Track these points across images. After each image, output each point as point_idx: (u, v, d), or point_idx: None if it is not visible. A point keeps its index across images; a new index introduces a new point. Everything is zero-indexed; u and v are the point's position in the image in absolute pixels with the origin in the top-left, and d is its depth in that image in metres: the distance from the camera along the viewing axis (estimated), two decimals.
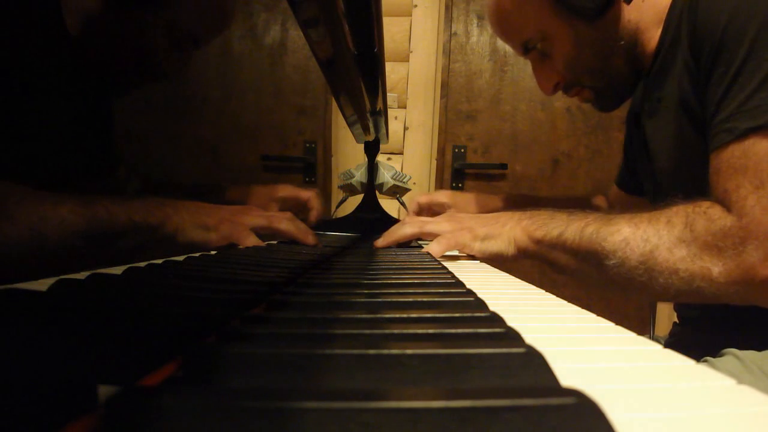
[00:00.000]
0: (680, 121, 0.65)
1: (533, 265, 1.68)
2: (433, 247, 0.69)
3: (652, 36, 0.70)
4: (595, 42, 0.70)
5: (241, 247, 0.66)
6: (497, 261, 0.72)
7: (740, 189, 0.51)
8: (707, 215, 0.52)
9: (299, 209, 0.95)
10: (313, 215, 0.94)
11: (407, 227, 0.74)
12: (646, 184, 0.83)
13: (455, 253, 0.73)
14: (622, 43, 0.70)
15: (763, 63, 0.52)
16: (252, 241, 0.67)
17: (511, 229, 0.68)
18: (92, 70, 0.77)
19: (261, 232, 0.71)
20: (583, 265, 0.61)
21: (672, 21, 0.66)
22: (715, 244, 0.51)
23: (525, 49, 0.76)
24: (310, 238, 0.73)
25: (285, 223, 0.72)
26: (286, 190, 0.96)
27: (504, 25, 0.77)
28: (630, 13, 0.69)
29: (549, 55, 0.75)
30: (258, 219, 0.71)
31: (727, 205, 0.52)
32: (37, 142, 0.69)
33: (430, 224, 0.73)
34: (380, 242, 0.75)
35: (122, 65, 0.78)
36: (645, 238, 0.55)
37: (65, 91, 0.75)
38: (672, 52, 0.66)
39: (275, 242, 0.75)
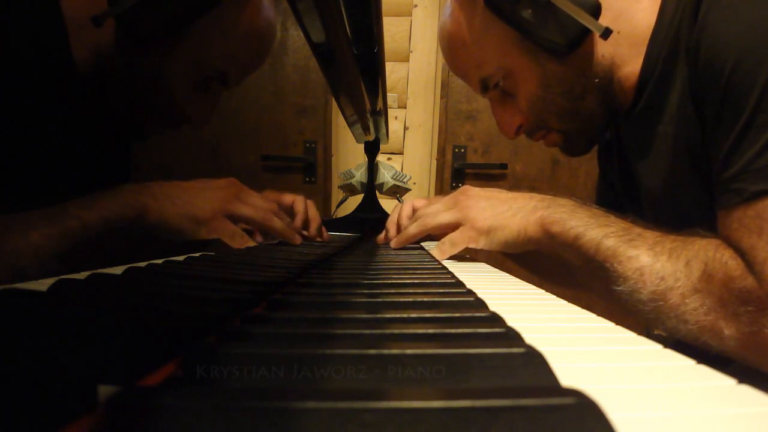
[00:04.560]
0: (679, 165, 0.59)
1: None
2: (435, 254, 0.67)
3: (631, 70, 0.62)
4: (565, 81, 0.63)
5: (233, 246, 0.63)
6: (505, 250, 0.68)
7: (757, 251, 0.46)
8: (727, 268, 0.47)
9: (285, 213, 0.82)
10: (298, 219, 0.79)
11: (412, 228, 0.71)
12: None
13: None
14: (597, 81, 0.62)
15: None
16: (243, 242, 0.64)
17: (522, 219, 0.61)
18: (105, 113, 0.68)
19: (251, 227, 0.67)
20: (592, 276, 0.56)
21: (657, 53, 0.59)
22: (732, 306, 0.46)
23: (483, 87, 0.68)
24: (296, 238, 0.71)
25: (276, 221, 0.68)
26: (269, 196, 0.84)
27: (460, 59, 0.69)
28: (604, 48, 0.61)
29: (511, 94, 0.67)
30: (249, 210, 0.66)
31: (746, 263, 0.47)
32: (35, 192, 0.61)
33: (429, 218, 0.69)
34: (395, 244, 0.74)
35: (139, 108, 0.68)
36: (661, 275, 0.50)
37: (74, 137, 0.67)
38: (663, 89, 0.59)
39: (275, 241, 0.75)
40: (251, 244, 0.65)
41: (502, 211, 0.63)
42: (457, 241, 0.65)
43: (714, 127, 0.51)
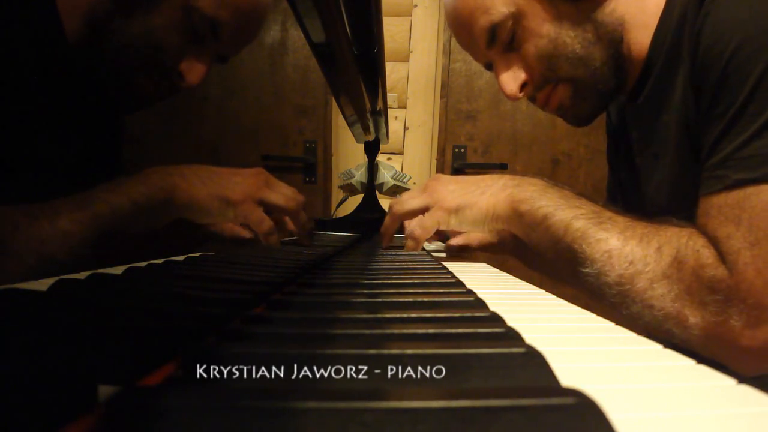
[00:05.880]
0: (682, 156, 0.59)
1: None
2: (408, 244, 0.67)
3: (639, 42, 0.62)
4: (577, 23, 0.62)
5: (261, 238, 0.63)
6: (484, 250, 0.67)
7: (732, 240, 0.45)
8: (699, 256, 0.47)
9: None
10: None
11: (386, 220, 0.71)
12: (638, 213, 0.77)
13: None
14: (609, 30, 0.62)
15: (766, 106, 0.46)
16: (270, 232, 0.63)
17: (491, 196, 0.60)
18: (96, 83, 0.66)
19: (275, 213, 0.66)
20: (560, 259, 0.55)
21: (665, 37, 0.59)
22: (700, 294, 0.46)
23: (490, 38, 0.65)
24: (306, 241, 0.72)
25: (302, 213, 0.67)
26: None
27: (468, 6, 0.65)
28: (616, 3, 0.62)
29: (516, 48, 0.65)
30: (279, 198, 0.64)
31: (719, 252, 0.47)
32: (31, 168, 0.61)
33: (398, 205, 0.68)
34: (383, 243, 0.74)
35: (130, 67, 0.65)
36: (630, 259, 0.49)
37: (66, 113, 0.66)
38: (669, 76, 0.59)
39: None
40: (274, 240, 0.64)
41: (471, 190, 0.62)
42: (426, 223, 0.64)
43: (707, 112, 0.51)
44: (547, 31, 0.62)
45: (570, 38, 0.62)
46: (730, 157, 0.47)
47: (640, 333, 0.26)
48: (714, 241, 0.47)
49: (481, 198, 0.61)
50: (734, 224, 0.46)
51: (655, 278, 0.48)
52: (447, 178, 0.66)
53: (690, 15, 0.54)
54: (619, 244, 0.50)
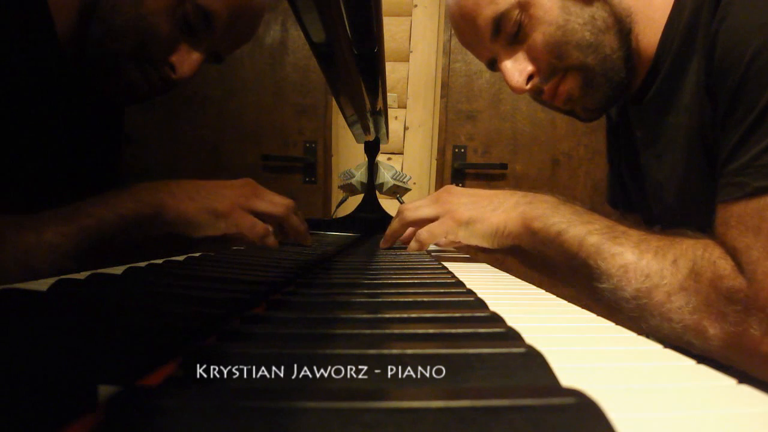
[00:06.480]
0: (692, 157, 0.58)
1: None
2: (412, 246, 0.67)
3: (647, 38, 0.62)
4: (586, 9, 0.61)
5: (257, 242, 0.63)
6: (482, 250, 0.68)
7: (751, 251, 0.45)
8: (716, 267, 0.46)
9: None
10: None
11: (394, 223, 0.71)
12: (641, 211, 0.75)
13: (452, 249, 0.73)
14: (617, 20, 0.61)
15: None
16: (264, 235, 0.63)
17: (503, 213, 0.61)
18: (85, 72, 0.65)
19: (266, 221, 0.66)
20: (575, 275, 0.56)
21: (673, 37, 0.59)
22: (718, 305, 0.46)
23: (496, 29, 0.63)
24: (308, 239, 0.72)
25: (294, 217, 0.68)
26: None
27: None
28: None
29: (522, 41, 0.64)
30: (268, 206, 0.65)
31: (737, 262, 0.46)
32: (31, 171, 0.61)
33: (409, 211, 0.69)
34: (383, 244, 0.75)
35: (121, 58, 0.63)
36: (646, 273, 0.49)
37: (63, 115, 0.66)
38: (678, 77, 0.58)
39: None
40: (272, 241, 0.64)
41: (483, 205, 0.63)
42: (435, 231, 0.65)
43: (725, 117, 0.50)
44: (555, 18, 0.61)
45: (579, 25, 0.61)
46: (749, 164, 0.47)
47: (640, 333, 0.26)
48: (732, 251, 0.47)
49: (493, 214, 0.61)
50: (754, 234, 0.45)
51: (672, 291, 0.48)
52: (460, 191, 0.67)
53: (704, 17, 0.53)
54: (634, 258, 0.50)
